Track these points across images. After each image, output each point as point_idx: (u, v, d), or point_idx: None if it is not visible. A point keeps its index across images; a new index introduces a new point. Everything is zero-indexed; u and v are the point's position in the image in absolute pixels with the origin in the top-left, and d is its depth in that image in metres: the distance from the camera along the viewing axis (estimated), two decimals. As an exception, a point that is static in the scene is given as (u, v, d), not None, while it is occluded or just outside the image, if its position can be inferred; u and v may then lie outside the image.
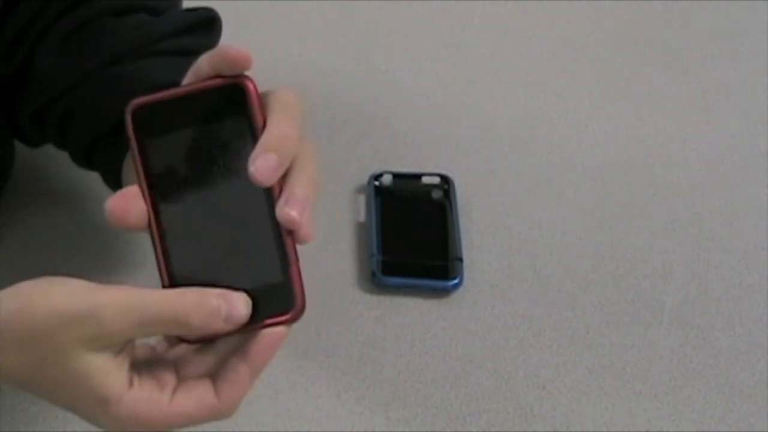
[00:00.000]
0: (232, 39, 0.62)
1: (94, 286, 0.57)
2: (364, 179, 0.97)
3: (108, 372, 0.57)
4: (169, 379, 0.59)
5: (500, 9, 1.19)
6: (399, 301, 0.89)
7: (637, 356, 0.86)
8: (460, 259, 0.90)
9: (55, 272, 0.59)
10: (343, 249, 0.92)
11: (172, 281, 0.58)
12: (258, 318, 0.58)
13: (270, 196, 0.58)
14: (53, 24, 0.79)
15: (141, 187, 0.58)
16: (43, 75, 0.79)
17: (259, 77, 0.60)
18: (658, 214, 0.98)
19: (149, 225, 0.58)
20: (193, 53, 0.83)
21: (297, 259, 0.58)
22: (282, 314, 0.59)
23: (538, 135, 1.05)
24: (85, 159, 0.82)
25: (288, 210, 0.58)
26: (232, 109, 0.58)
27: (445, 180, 0.97)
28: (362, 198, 0.96)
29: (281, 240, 0.58)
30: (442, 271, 0.90)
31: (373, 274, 0.89)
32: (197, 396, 0.58)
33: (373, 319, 0.87)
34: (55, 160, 0.86)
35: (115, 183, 0.80)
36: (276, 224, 0.58)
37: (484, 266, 0.92)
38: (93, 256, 0.89)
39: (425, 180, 0.97)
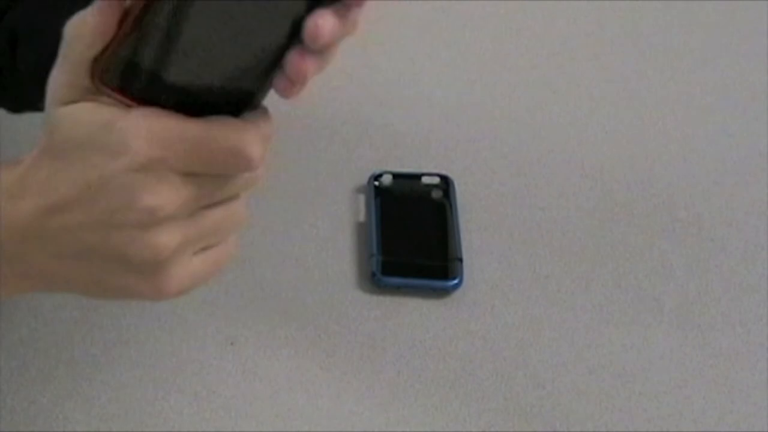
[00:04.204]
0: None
1: None
2: (364, 179, 0.97)
3: (95, 103, 0.53)
4: None
5: (500, 9, 1.19)
6: (399, 301, 0.89)
7: (637, 356, 0.86)
8: (460, 259, 0.90)
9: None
10: (343, 249, 0.92)
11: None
12: None
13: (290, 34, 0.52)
14: None
15: None
16: None
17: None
18: (658, 214, 0.98)
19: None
20: None
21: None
22: None
23: (538, 135, 1.05)
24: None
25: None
26: None
27: (445, 180, 0.97)
28: (362, 198, 0.96)
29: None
30: (442, 271, 0.90)
31: (373, 274, 0.89)
32: None
33: (373, 319, 0.87)
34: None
35: None
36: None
37: (484, 266, 0.92)
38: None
39: (425, 180, 0.97)
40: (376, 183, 0.96)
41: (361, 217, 0.95)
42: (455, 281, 0.89)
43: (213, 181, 0.55)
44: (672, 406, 0.83)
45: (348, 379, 0.83)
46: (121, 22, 0.53)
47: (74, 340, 0.84)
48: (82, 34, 0.53)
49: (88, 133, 0.53)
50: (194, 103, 0.54)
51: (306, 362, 0.84)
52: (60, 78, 0.54)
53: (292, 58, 0.53)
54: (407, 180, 0.97)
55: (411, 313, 0.88)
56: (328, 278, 0.90)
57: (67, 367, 0.82)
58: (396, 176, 0.97)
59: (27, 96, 0.80)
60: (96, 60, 0.53)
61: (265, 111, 0.56)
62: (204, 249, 0.57)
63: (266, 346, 0.85)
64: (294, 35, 0.53)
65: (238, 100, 0.54)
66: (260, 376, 0.83)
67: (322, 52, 0.54)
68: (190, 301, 0.87)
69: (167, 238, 0.54)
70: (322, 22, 0.52)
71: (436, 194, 0.96)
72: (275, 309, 0.88)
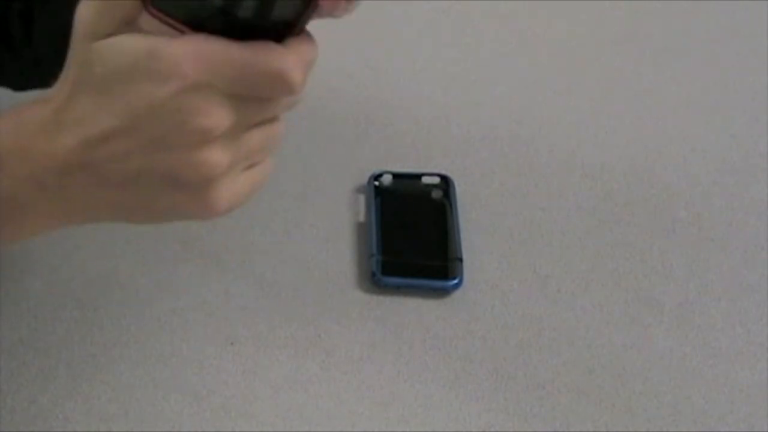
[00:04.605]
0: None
1: None
2: (364, 179, 0.97)
3: (136, 33, 0.54)
4: None
5: (500, 9, 1.19)
6: (399, 301, 0.89)
7: (637, 356, 0.86)
8: (460, 259, 0.90)
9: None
10: (343, 249, 0.92)
11: None
12: None
13: None
14: None
15: None
16: None
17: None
18: (658, 214, 0.98)
19: None
20: None
21: None
22: None
23: (538, 135, 1.05)
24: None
25: None
26: None
27: (445, 180, 0.97)
28: (362, 198, 0.96)
29: None
30: (442, 271, 0.90)
31: (373, 274, 0.89)
32: None
33: (373, 319, 0.87)
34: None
35: None
36: None
37: (484, 266, 0.92)
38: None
39: (425, 180, 0.97)
40: (376, 183, 0.96)
41: (361, 217, 0.95)
42: (455, 281, 0.89)
43: (256, 103, 0.57)
44: (672, 406, 0.83)
45: (348, 379, 0.83)
46: None
47: (74, 340, 0.84)
48: None
49: (134, 62, 0.54)
50: (239, 29, 0.55)
51: (306, 362, 0.84)
52: (94, 12, 0.54)
53: None
54: (407, 180, 0.97)
55: (411, 313, 0.88)
56: (328, 278, 0.90)
57: (67, 367, 0.82)
58: (396, 176, 0.97)
59: (39, 72, 0.80)
60: None
61: (308, 37, 0.57)
62: (246, 168, 0.59)
63: (266, 346, 0.85)
64: None
65: (281, 27, 0.56)
66: (260, 376, 0.83)
67: None
68: (190, 301, 0.87)
69: (219, 156, 0.55)
70: None
71: (436, 194, 0.96)
72: (275, 309, 0.88)
